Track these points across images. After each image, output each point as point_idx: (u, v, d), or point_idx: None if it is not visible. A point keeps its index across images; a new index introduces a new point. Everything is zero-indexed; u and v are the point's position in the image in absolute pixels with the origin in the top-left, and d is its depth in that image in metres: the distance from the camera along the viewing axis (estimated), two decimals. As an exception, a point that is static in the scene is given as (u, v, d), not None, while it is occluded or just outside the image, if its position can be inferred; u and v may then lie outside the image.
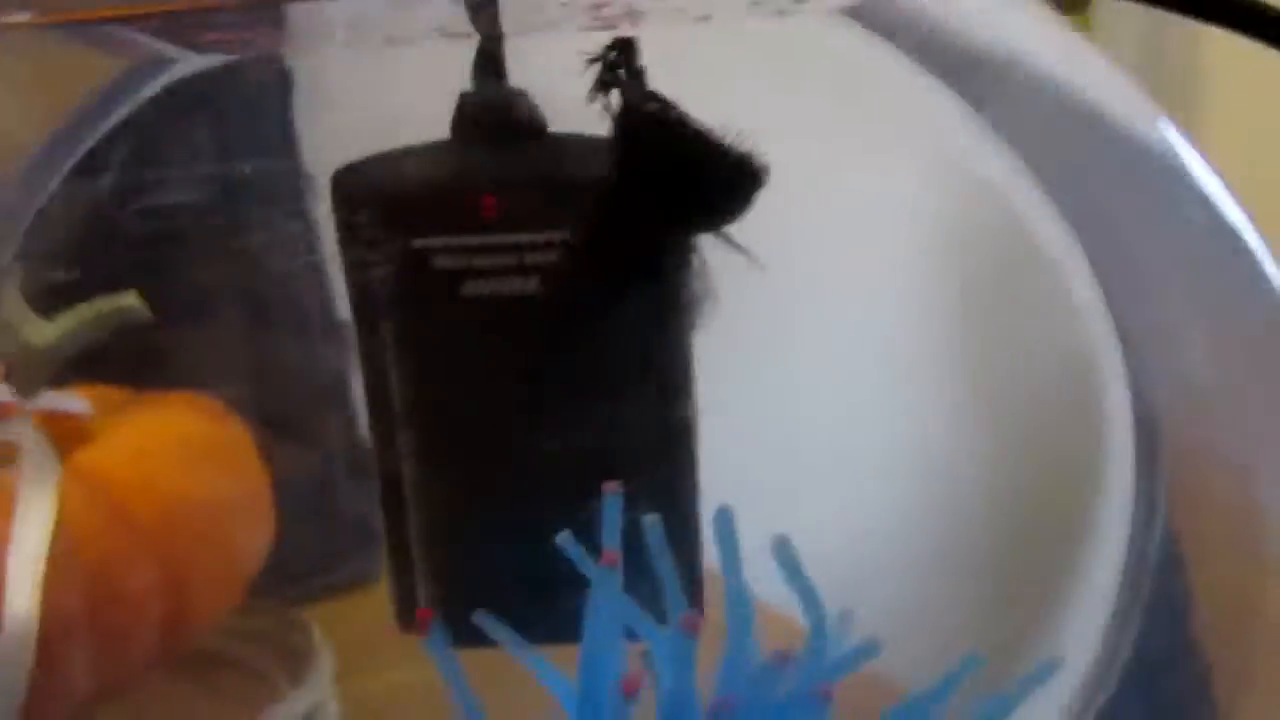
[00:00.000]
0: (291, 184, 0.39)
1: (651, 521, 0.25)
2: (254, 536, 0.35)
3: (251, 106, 0.38)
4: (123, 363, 0.36)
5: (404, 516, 0.31)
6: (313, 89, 0.38)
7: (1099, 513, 0.28)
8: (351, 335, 0.41)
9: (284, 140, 0.40)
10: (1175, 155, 0.23)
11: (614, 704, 0.25)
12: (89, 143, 0.31)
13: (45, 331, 0.33)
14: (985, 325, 0.32)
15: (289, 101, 0.39)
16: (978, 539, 0.32)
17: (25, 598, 0.29)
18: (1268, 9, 0.21)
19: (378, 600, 0.37)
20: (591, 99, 0.24)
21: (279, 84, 0.39)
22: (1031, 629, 0.28)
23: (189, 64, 0.33)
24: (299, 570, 0.38)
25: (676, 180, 0.24)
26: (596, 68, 0.24)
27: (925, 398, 0.33)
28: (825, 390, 0.33)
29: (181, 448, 0.35)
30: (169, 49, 0.29)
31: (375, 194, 0.28)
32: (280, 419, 0.39)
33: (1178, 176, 0.23)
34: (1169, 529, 0.27)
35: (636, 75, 0.24)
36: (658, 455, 0.29)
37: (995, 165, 0.28)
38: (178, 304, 0.37)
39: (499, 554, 0.30)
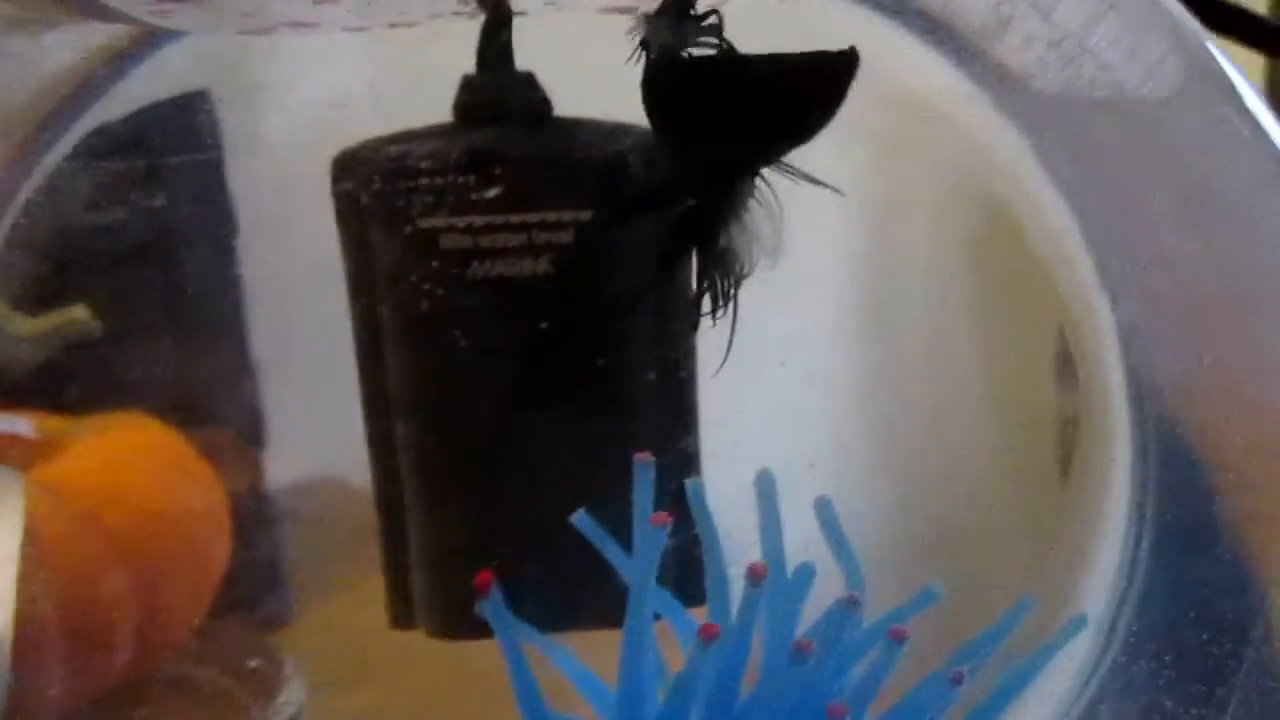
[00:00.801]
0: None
1: (695, 485, 0.25)
2: (219, 545, 0.35)
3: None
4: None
5: (399, 513, 0.30)
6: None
7: (1104, 480, 0.29)
8: (265, 375, 0.41)
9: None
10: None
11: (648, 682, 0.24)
12: (72, 135, 0.30)
13: (27, 326, 0.32)
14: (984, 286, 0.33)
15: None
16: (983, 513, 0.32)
17: (1, 607, 0.27)
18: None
19: (356, 614, 0.36)
20: (641, 53, 0.24)
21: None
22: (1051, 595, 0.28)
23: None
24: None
25: (771, 101, 0.24)
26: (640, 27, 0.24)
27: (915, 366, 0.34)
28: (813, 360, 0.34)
29: (147, 458, 0.35)
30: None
31: (380, 175, 0.28)
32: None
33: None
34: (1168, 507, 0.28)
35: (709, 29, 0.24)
36: (665, 436, 0.29)
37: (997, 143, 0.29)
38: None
39: (505, 545, 0.29)
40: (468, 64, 0.29)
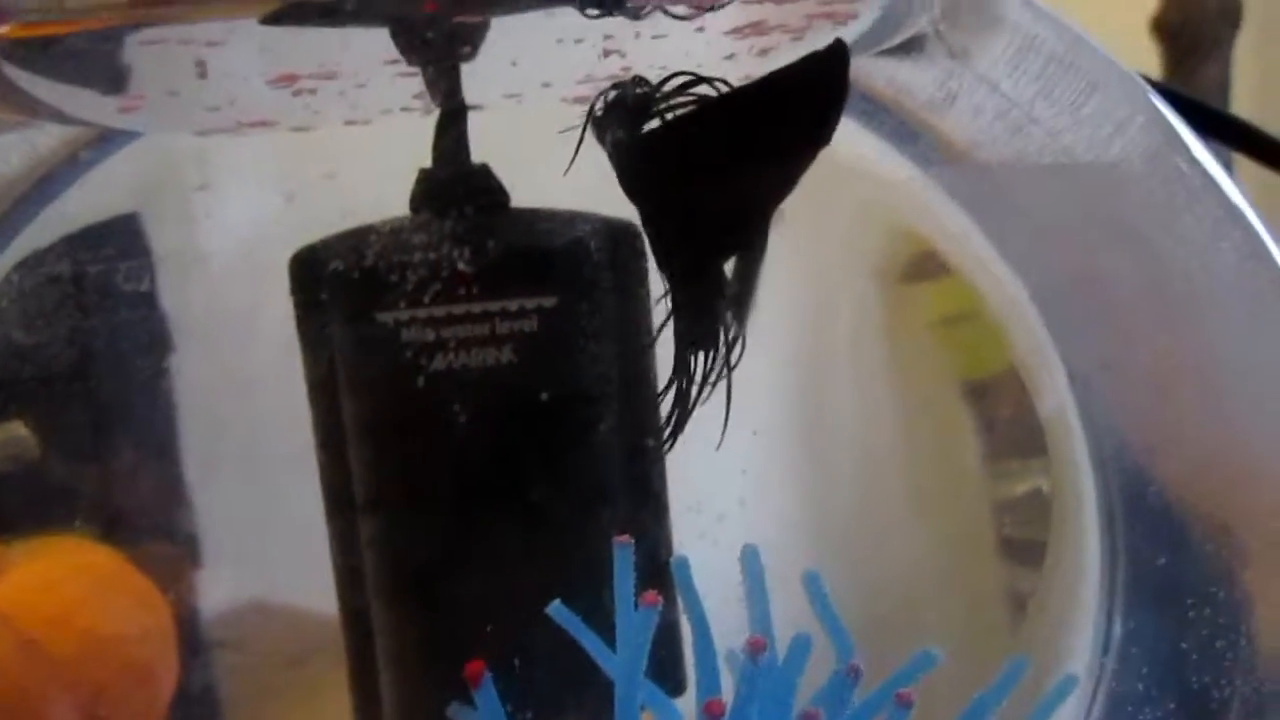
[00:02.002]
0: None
1: (681, 561, 0.24)
2: (167, 665, 0.33)
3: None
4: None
5: (365, 619, 0.29)
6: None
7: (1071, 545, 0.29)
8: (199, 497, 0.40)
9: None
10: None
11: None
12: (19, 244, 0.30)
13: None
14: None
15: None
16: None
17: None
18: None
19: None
20: (605, 124, 0.24)
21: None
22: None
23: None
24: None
25: (771, 123, 0.23)
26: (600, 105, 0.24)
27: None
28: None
29: (88, 580, 0.33)
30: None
31: (339, 271, 0.28)
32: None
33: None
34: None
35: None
36: (635, 525, 0.29)
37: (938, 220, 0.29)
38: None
39: (477, 646, 0.28)
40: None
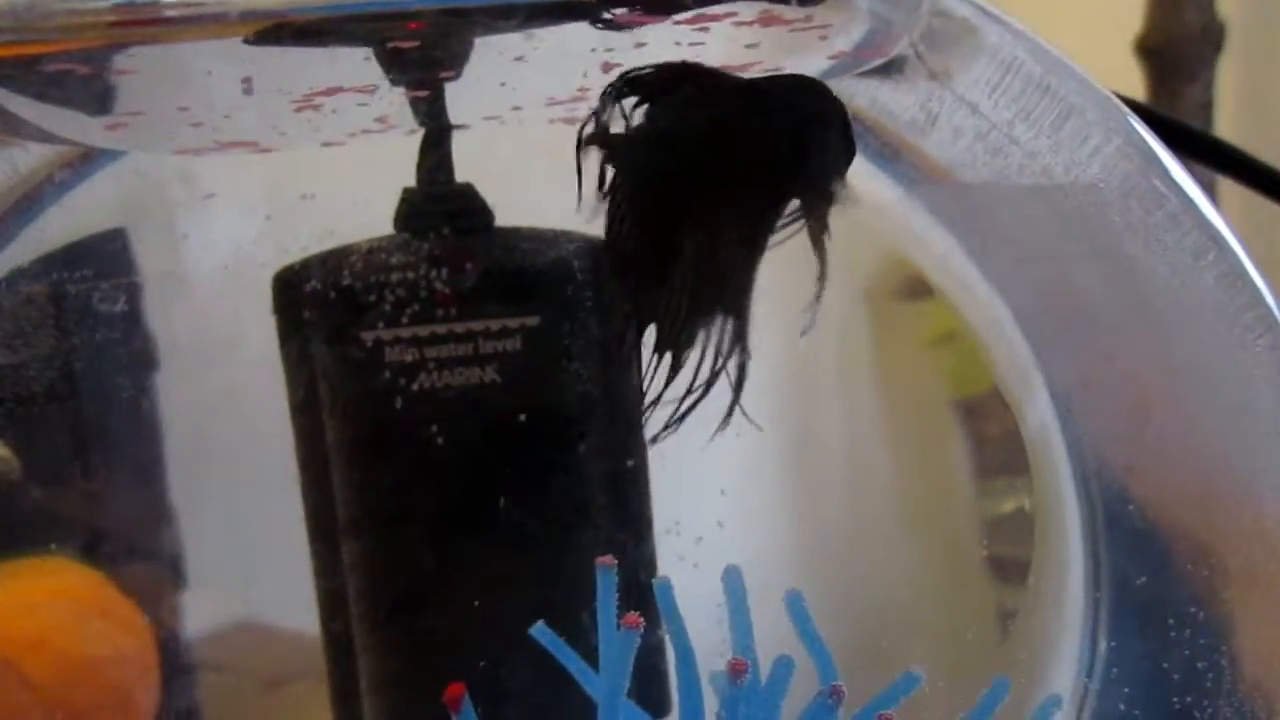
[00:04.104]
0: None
1: (663, 584, 0.24)
2: (147, 690, 0.33)
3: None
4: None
5: (348, 642, 0.29)
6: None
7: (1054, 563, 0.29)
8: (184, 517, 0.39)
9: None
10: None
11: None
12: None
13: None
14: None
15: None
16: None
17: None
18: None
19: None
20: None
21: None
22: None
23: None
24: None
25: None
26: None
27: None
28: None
29: (70, 602, 0.33)
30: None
31: (322, 290, 0.28)
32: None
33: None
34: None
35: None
36: (618, 545, 0.29)
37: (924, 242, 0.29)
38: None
39: (461, 668, 0.28)
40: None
